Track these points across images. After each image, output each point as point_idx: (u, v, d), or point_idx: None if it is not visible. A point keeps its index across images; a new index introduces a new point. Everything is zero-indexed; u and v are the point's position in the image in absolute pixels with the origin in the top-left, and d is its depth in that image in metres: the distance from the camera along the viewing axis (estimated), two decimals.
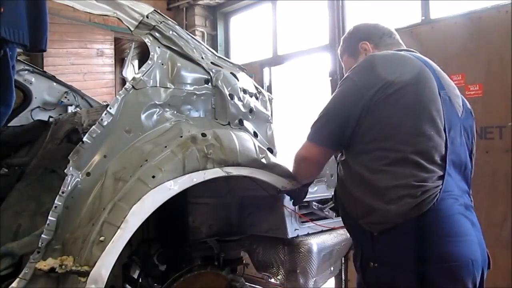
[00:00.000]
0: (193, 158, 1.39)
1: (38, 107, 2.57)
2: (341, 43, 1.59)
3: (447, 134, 1.19)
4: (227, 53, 4.93)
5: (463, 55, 2.72)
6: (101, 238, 1.17)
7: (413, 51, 1.40)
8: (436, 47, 2.84)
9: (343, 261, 2.58)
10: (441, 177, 1.16)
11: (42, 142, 2.09)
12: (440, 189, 1.15)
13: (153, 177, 1.29)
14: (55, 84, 2.66)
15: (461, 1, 2.94)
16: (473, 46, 2.70)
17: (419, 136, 1.17)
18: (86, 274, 1.12)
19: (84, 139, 1.33)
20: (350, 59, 1.51)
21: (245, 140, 1.58)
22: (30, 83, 2.53)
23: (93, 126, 1.36)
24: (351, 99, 1.25)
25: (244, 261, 2.00)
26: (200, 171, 1.40)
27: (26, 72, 2.52)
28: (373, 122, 1.21)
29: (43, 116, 2.50)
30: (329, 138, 1.33)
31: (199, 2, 4.84)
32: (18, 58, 2.68)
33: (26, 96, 2.51)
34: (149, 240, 1.84)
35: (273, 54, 4.40)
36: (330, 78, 3.57)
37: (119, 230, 1.18)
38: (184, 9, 4.94)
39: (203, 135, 1.46)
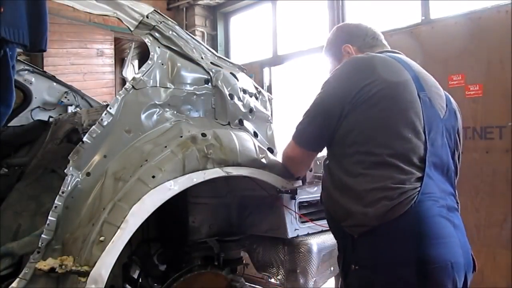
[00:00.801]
0: (193, 158, 1.39)
1: (38, 107, 2.56)
2: (325, 45, 1.58)
3: (426, 136, 1.17)
4: (227, 53, 4.93)
5: (463, 55, 2.72)
6: (101, 238, 1.17)
7: (397, 53, 1.40)
8: (436, 47, 2.84)
9: None
10: (420, 179, 1.15)
11: (42, 142, 2.09)
12: (419, 191, 1.13)
13: (153, 177, 1.29)
14: (55, 84, 2.66)
15: (461, 1, 2.94)
16: (473, 46, 2.70)
17: (397, 139, 1.16)
18: (86, 274, 1.12)
19: (84, 139, 1.33)
20: (335, 62, 1.51)
21: (245, 140, 1.58)
22: (30, 83, 2.52)
23: (93, 126, 1.36)
24: (330, 103, 1.27)
25: (244, 261, 2.00)
26: (200, 171, 1.40)
27: (26, 72, 2.51)
28: (352, 125, 1.22)
29: (43, 116, 2.50)
30: (310, 140, 1.38)
31: (199, 2, 4.84)
32: (18, 58, 2.68)
33: (26, 96, 2.51)
34: (149, 240, 1.84)
35: (273, 54, 4.40)
36: None
37: (119, 230, 1.18)
38: (184, 9, 4.94)
39: (203, 135, 1.46)
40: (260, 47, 4.58)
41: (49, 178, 1.81)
